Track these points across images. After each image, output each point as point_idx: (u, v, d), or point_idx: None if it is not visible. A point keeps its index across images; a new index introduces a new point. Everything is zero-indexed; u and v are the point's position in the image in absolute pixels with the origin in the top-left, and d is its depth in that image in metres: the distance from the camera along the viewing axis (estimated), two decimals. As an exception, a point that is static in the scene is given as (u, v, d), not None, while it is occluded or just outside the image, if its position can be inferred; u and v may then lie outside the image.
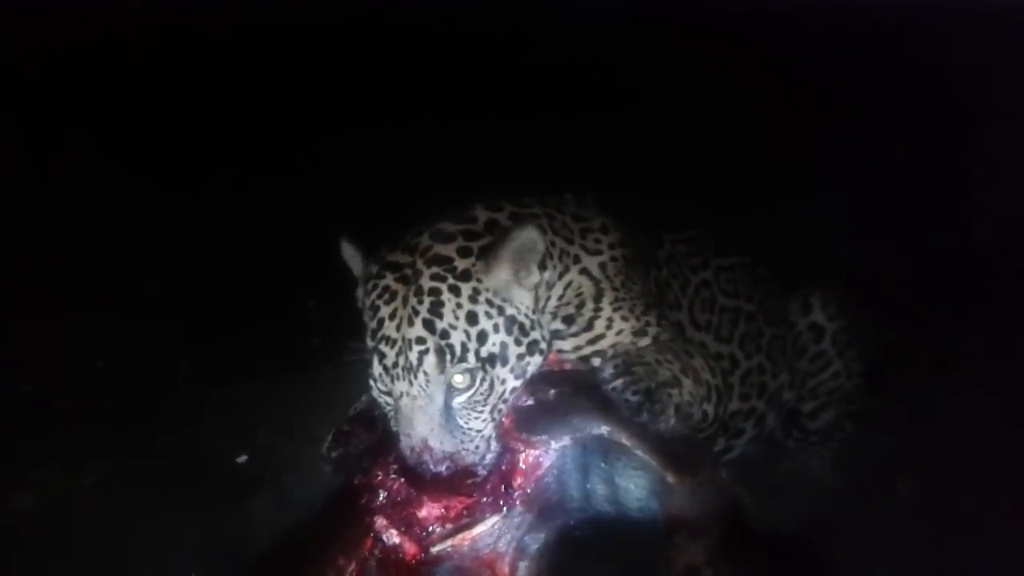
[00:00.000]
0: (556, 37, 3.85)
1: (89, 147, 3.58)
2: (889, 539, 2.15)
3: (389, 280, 1.62)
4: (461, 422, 1.56)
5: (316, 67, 3.87)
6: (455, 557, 1.52)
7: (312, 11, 3.82)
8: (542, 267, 1.69)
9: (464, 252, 1.62)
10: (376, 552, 1.54)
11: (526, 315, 1.65)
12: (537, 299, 1.69)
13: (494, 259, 1.60)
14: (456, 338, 1.55)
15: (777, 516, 1.94)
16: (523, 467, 1.56)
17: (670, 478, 1.53)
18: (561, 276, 1.80)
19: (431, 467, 1.54)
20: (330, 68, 3.88)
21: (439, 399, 1.54)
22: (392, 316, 1.58)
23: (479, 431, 1.58)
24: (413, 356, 1.53)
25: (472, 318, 1.57)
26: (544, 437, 1.56)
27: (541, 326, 1.69)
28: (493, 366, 1.58)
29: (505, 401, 1.62)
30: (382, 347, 1.58)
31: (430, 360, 1.53)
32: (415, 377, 1.53)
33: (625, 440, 1.54)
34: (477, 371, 1.56)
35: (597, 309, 1.85)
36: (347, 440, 1.87)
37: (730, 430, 2.20)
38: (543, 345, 1.67)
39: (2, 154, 3.41)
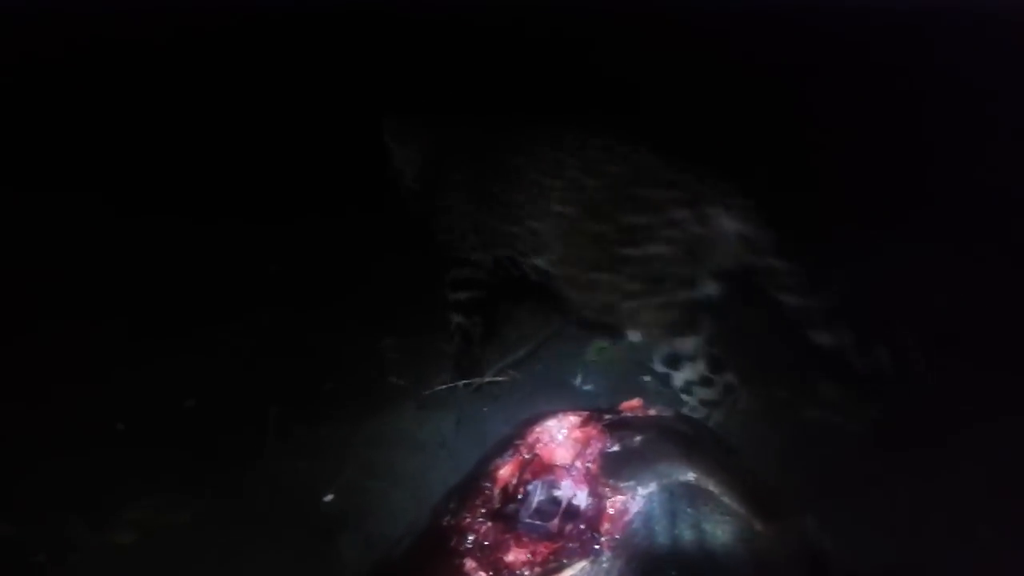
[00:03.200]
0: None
1: (171, 188, 3.74)
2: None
3: None
4: None
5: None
6: (545, 601, 1.54)
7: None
8: None
9: None
10: (466, 595, 1.57)
11: None
12: None
13: None
14: None
15: (862, 563, 1.92)
16: (611, 513, 1.57)
17: (757, 525, 1.54)
18: None
19: None
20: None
21: None
22: None
23: None
24: None
25: None
26: (631, 483, 1.58)
27: None
28: None
29: None
30: None
31: None
32: None
33: (712, 487, 1.55)
34: None
35: None
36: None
37: None
38: None
39: (92, 202, 3.59)
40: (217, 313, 3.21)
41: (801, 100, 3.70)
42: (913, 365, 2.66)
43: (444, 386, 2.72)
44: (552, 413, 1.88)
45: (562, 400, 2.64)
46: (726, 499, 1.54)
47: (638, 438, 1.65)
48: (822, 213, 3.23)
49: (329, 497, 2.34)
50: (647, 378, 2.76)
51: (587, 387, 2.78)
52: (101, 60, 3.92)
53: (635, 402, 1.83)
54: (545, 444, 1.79)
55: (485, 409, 2.69)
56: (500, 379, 2.75)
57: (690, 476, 1.56)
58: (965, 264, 3.05)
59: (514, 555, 1.59)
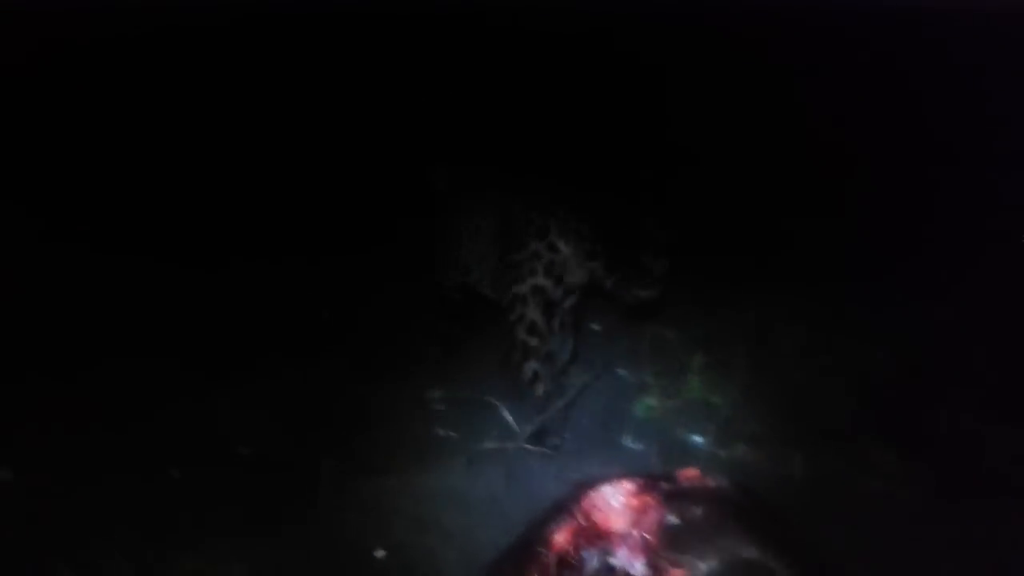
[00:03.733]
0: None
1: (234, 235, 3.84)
2: None
3: None
4: None
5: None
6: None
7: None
8: None
9: None
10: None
11: None
12: None
13: None
14: None
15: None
16: (670, 587, 1.57)
17: (819, 605, 1.52)
18: None
19: None
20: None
21: None
22: None
23: None
24: None
25: None
26: (690, 557, 1.57)
27: None
28: None
29: None
30: None
31: None
32: None
33: (774, 565, 1.53)
34: None
35: None
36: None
37: None
38: None
39: (154, 247, 3.70)
40: (272, 360, 3.25)
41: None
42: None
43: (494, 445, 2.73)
44: (607, 478, 1.87)
45: (611, 459, 2.64)
46: (787, 578, 1.52)
47: (697, 510, 1.64)
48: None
49: (381, 553, 2.33)
50: (698, 439, 2.73)
51: (636, 446, 2.76)
52: (164, 108, 4.05)
53: (693, 471, 1.82)
54: (601, 510, 1.78)
55: (535, 466, 2.68)
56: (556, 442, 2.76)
57: (752, 552, 1.54)
58: (1003, 318, 3.02)
59: (571, 624, 1.58)
